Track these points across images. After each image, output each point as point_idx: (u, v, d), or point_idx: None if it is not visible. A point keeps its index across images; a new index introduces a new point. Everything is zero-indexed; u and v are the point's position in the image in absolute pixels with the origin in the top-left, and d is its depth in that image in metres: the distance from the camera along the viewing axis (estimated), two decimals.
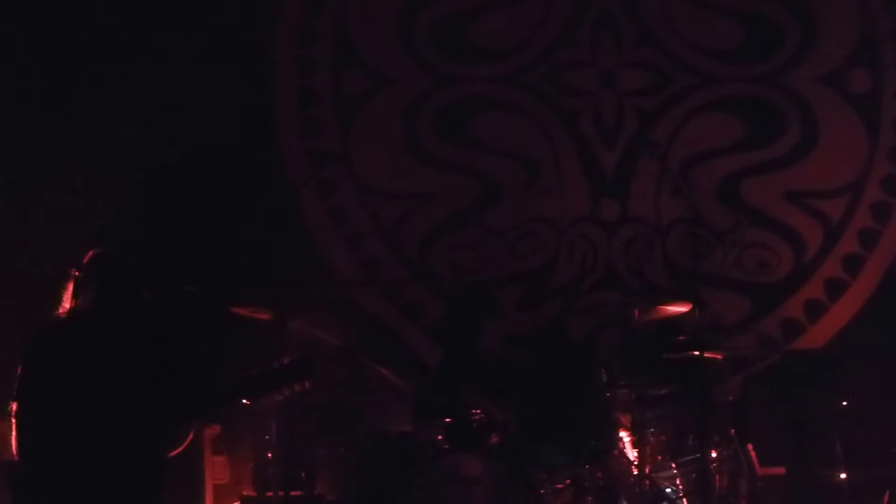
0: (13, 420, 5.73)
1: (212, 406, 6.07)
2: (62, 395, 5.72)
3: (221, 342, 8.64)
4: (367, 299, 9.82)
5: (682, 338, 8.50)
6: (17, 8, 9.56)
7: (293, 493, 7.95)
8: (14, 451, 5.72)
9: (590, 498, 7.89)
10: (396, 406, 8.30)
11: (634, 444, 8.12)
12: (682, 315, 8.50)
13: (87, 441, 5.68)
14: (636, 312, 8.43)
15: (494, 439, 8.00)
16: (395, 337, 9.70)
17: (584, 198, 10.04)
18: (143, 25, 9.60)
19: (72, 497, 5.70)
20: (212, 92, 9.54)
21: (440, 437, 7.99)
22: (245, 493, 8.66)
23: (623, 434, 8.20)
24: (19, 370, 5.79)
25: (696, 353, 8.19)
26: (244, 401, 5.88)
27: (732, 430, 8.30)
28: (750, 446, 8.44)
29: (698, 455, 8.09)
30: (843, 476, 8.71)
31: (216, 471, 8.88)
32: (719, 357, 8.54)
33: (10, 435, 5.72)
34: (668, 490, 8.14)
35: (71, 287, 6.00)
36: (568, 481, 7.90)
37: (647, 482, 8.07)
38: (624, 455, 8.18)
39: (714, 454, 8.17)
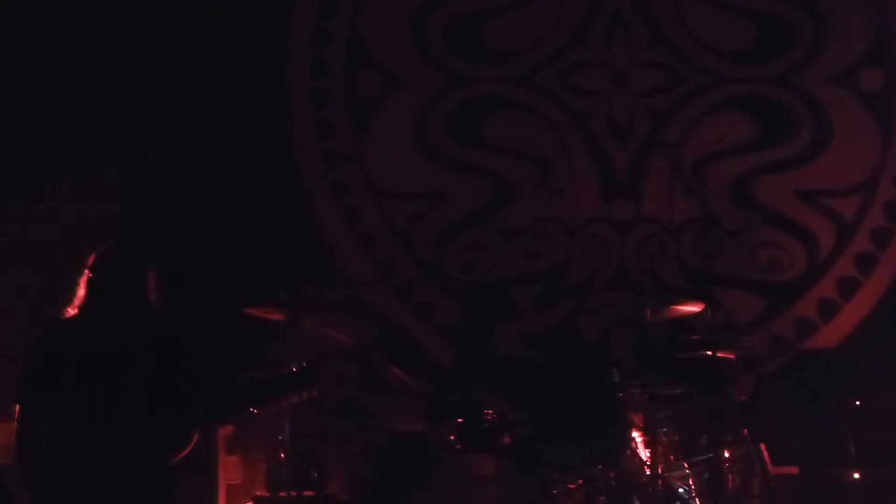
0: (15, 422, 5.58)
1: (217, 413, 5.91)
2: (64, 397, 5.57)
3: (234, 343, 8.55)
4: (380, 299, 9.73)
5: (694, 337, 8.35)
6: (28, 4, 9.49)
7: (306, 493, 7.88)
8: (14, 454, 5.57)
9: (602, 498, 7.79)
10: (409, 406, 8.21)
11: (647, 444, 7.99)
12: (695, 314, 8.36)
13: (89, 443, 5.53)
14: (648, 312, 8.28)
15: (506, 439, 7.89)
16: (408, 337, 9.62)
17: (597, 198, 9.94)
18: (158, 25, 9.52)
19: (75, 500, 5.52)
20: (226, 92, 9.47)
21: (452, 437, 7.88)
22: (258, 493, 8.56)
23: (635, 434, 8.06)
24: (21, 371, 5.64)
25: (709, 352, 8.05)
26: (250, 409, 5.75)
27: (745, 430, 8.14)
28: (762, 446, 8.25)
29: (711, 455, 7.98)
30: (856, 475, 8.61)
31: (229, 471, 8.81)
32: (732, 356, 8.39)
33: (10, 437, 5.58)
34: (681, 490, 8.00)
35: (81, 287, 5.85)
36: (580, 481, 7.81)
37: (660, 482, 7.93)
38: (636, 455, 8.04)
39: (726, 454, 8.05)
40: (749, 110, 9.95)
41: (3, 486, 5.85)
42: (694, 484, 7.97)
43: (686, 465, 8.02)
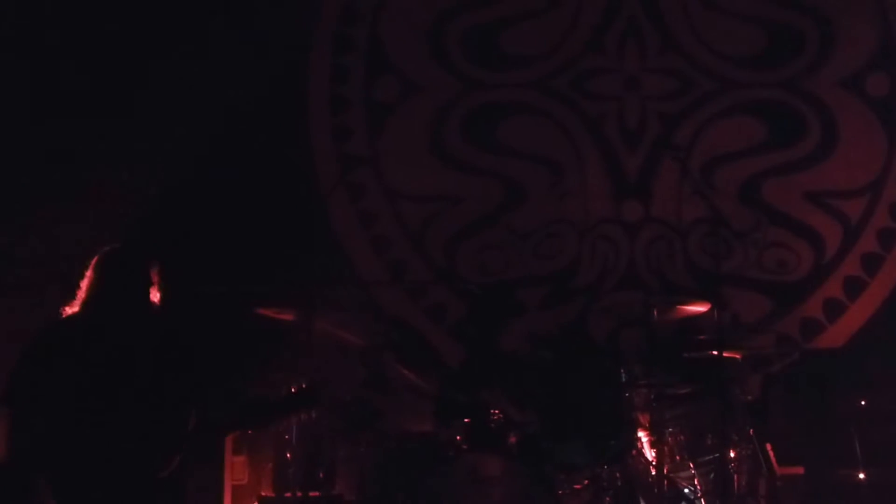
0: (7, 420, 5.41)
1: (217, 431, 5.73)
2: (58, 396, 5.39)
3: (246, 343, 8.40)
4: (392, 300, 9.62)
5: (701, 337, 8.22)
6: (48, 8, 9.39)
7: (312, 493, 7.77)
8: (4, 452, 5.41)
9: (608, 498, 7.65)
10: (417, 406, 8.08)
11: (653, 444, 7.87)
12: (702, 314, 8.20)
13: (82, 443, 5.35)
14: (656, 312, 8.12)
15: (513, 439, 7.74)
16: (419, 337, 9.33)
17: (607, 199, 9.80)
18: (178, 32, 9.43)
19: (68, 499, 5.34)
20: (244, 95, 9.34)
21: (459, 437, 7.73)
22: (264, 493, 8.45)
23: (641, 434, 7.95)
24: (14, 369, 5.47)
25: (716, 352, 7.84)
26: (250, 429, 5.58)
27: (751, 430, 8.02)
28: (769, 446, 8.15)
29: (717, 455, 7.80)
30: (861, 475, 8.52)
31: (235, 471, 8.67)
32: (738, 356, 8.25)
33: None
34: (687, 490, 7.85)
35: (82, 287, 5.72)
36: (586, 481, 7.68)
37: (666, 482, 7.79)
38: (642, 455, 7.92)
39: (733, 454, 7.89)
40: (757, 114, 9.81)
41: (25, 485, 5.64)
42: (700, 484, 7.82)
43: (692, 466, 7.86)
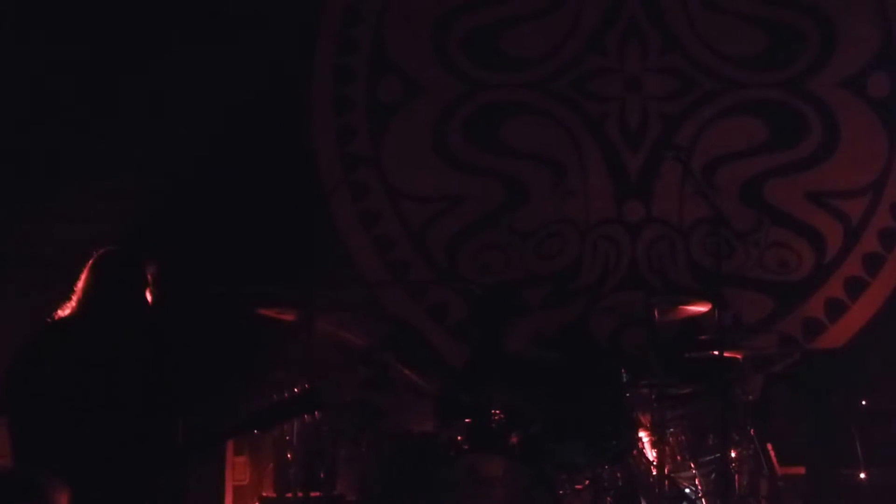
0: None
1: (218, 441, 5.54)
2: (50, 397, 5.24)
3: (247, 343, 8.32)
4: (393, 300, 9.49)
5: (703, 337, 8.10)
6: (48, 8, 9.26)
7: (313, 493, 7.59)
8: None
9: (609, 498, 7.47)
10: (418, 406, 7.93)
11: (654, 444, 7.71)
12: (704, 314, 8.09)
13: (80, 443, 5.19)
14: (657, 312, 7.98)
15: (514, 439, 7.55)
16: (421, 337, 9.31)
17: (609, 199, 9.64)
18: (183, 30, 9.30)
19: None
20: (246, 95, 9.19)
21: (460, 438, 7.58)
22: (265, 493, 8.31)
23: (643, 434, 7.79)
24: (8, 370, 5.35)
25: (717, 352, 7.67)
26: (252, 432, 5.42)
27: (752, 430, 7.90)
28: (770, 446, 8.07)
29: (718, 455, 7.66)
30: (863, 475, 8.40)
31: (237, 471, 8.55)
32: (740, 356, 8.10)
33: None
34: (688, 490, 7.71)
35: (78, 288, 5.57)
36: (587, 481, 7.49)
37: (667, 482, 7.63)
38: (643, 455, 7.76)
39: (734, 454, 7.75)
40: (759, 114, 9.65)
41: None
42: (701, 484, 7.69)
43: (693, 466, 7.73)
